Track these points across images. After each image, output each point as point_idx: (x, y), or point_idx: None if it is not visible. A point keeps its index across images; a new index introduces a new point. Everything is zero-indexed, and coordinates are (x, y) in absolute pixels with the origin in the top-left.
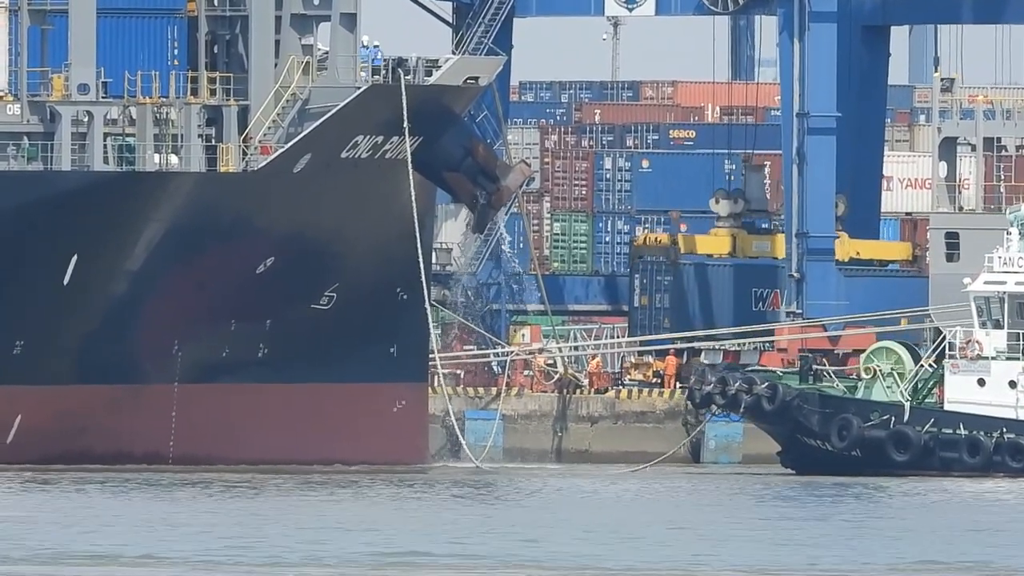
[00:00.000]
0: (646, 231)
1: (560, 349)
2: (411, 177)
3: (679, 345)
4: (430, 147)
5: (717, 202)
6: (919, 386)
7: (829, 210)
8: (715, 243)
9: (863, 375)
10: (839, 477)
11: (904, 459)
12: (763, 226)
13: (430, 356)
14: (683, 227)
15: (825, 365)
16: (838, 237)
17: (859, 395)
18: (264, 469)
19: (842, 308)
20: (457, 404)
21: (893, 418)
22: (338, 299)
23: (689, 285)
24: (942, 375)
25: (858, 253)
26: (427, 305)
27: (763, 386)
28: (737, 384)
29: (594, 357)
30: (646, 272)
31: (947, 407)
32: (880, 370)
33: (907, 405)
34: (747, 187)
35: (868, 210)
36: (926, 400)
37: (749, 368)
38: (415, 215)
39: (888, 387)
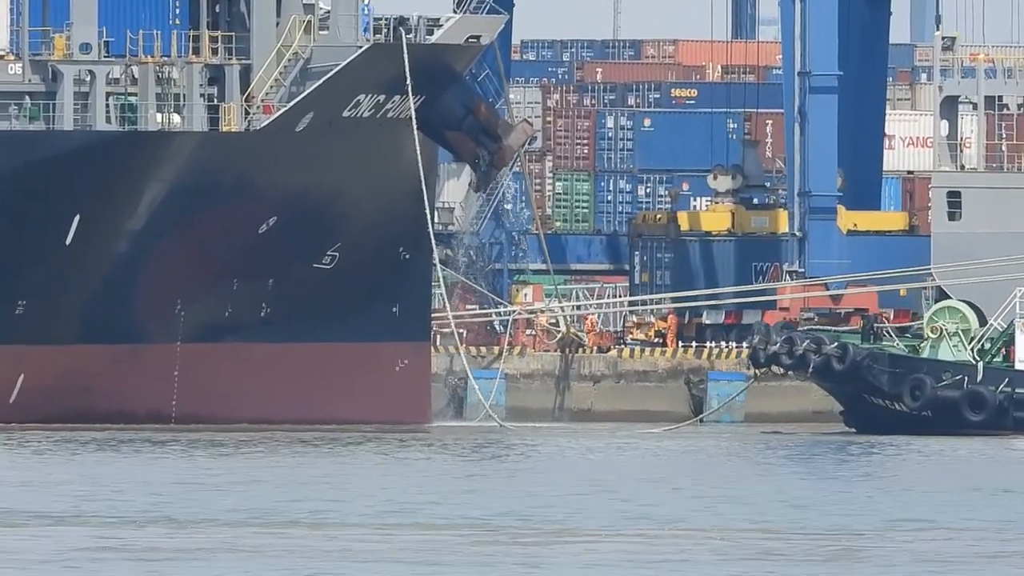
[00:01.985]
0: (644, 211)
1: (562, 308)
2: (416, 136)
3: (681, 305)
4: (432, 106)
5: (715, 178)
6: (986, 346)
7: (831, 169)
8: (715, 219)
9: (929, 334)
10: (908, 437)
11: (979, 419)
12: (762, 201)
13: (441, 315)
14: (685, 186)
15: (885, 324)
16: (840, 195)
17: (925, 355)
18: (266, 428)
19: (844, 267)
20: (459, 363)
21: (966, 378)
22: (340, 259)
23: (690, 261)
24: (1011, 334)
25: (856, 225)
26: (436, 264)
27: (833, 346)
28: (805, 344)
29: (588, 316)
30: (646, 249)
31: (1018, 366)
32: (946, 329)
33: (980, 365)
34: (745, 163)
35: (870, 167)
36: (994, 360)
37: (810, 329)
38: (421, 174)
39: (955, 347)
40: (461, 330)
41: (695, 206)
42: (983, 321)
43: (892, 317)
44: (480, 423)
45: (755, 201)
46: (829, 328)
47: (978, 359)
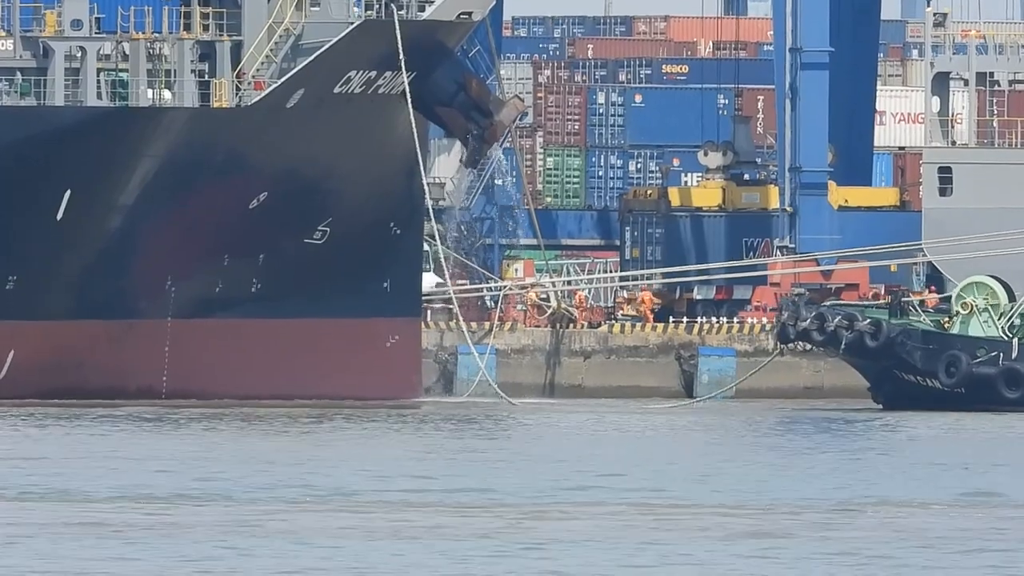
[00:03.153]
0: (635, 186)
1: (553, 283)
2: (410, 112)
3: (671, 280)
4: (423, 82)
5: (706, 154)
6: (1016, 321)
7: (822, 145)
8: (705, 195)
9: (960, 310)
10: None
11: (1015, 396)
12: (753, 177)
13: (443, 289)
14: (676, 161)
15: (911, 299)
16: (831, 170)
17: (955, 331)
18: (257, 404)
19: (835, 243)
20: (449, 339)
21: (1001, 355)
22: (331, 234)
23: (681, 236)
24: None
25: (847, 200)
26: (437, 241)
27: (866, 323)
28: (837, 320)
29: (577, 291)
30: (637, 224)
31: None
32: (977, 305)
33: (1015, 341)
34: (735, 139)
35: (861, 144)
36: None
37: (834, 304)
38: (417, 149)
39: (985, 322)
40: (451, 306)
41: (686, 182)
42: (1011, 297)
43: (883, 293)
44: (471, 398)
45: (746, 177)
46: (854, 304)
47: (1009, 335)
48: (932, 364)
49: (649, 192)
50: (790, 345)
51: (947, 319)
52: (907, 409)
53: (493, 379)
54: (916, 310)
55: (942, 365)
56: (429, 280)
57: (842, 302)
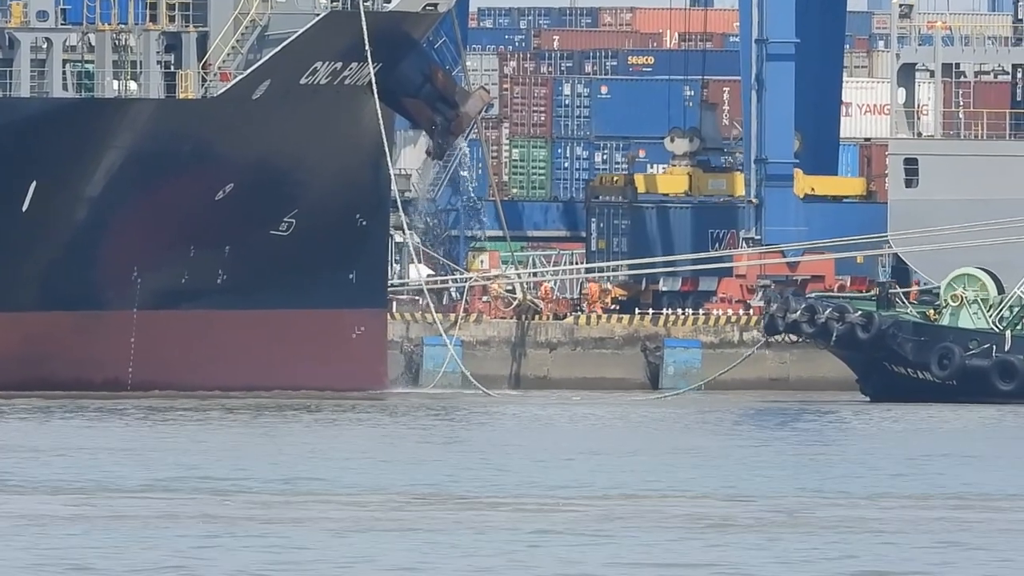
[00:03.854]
0: (601, 173)
1: (519, 275)
2: (377, 103)
3: (636, 272)
4: (389, 73)
5: (672, 140)
6: (1005, 314)
7: (788, 136)
8: (672, 182)
9: (950, 302)
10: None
11: (1009, 388)
12: (719, 164)
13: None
14: (641, 152)
15: (897, 290)
16: (796, 163)
17: (944, 323)
18: (222, 395)
19: (801, 234)
20: (415, 330)
21: (994, 347)
22: (297, 225)
23: (647, 228)
24: None
25: (813, 189)
26: (407, 232)
27: (857, 315)
28: (827, 312)
29: (543, 283)
30: (603, 216)
31: None
32: (967, 297)
33: (1008, 334)
34: (702, 125)
35: (827, 135)
36: (1016, 328)
37: (822, 296)
38: (384, 141)
39: (975, 315)
40: (416, 297)
41: (651, 172)
42: (1000, 289)
43: (849, 284)
44: (436, 389)
45: (712, 164)
46: (839, 295)
47: (999, 327)
48: (924, 356)
49: (615, 179)
50: (776, 337)
51: (932, 311)
52: (895, 401)
53: (458, 370)
54: (903, 302)
55: (935, 357)
56: (421, 272)
57: (828, 294)
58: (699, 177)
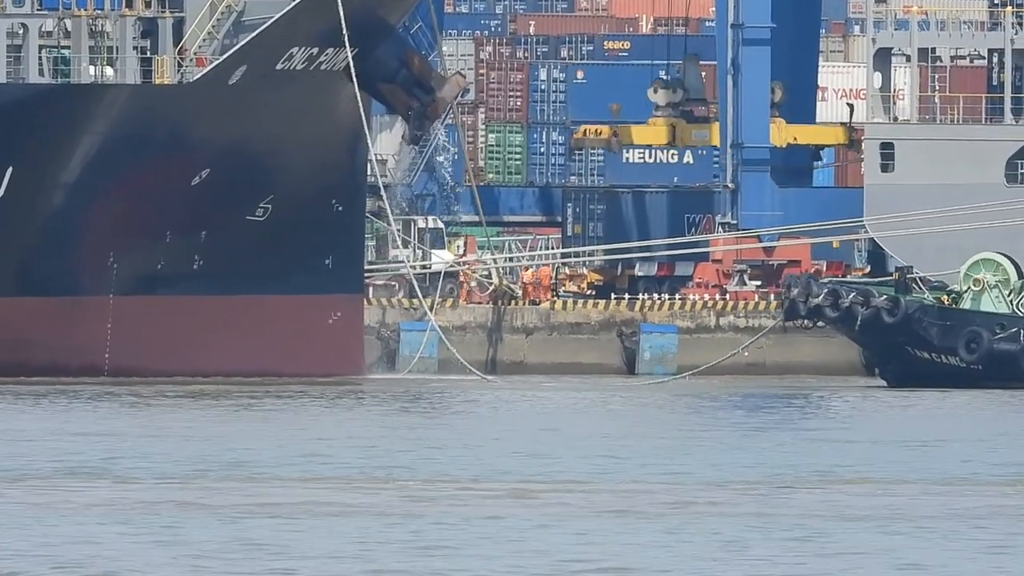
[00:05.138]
0: (584, 126)
1: (495, 260)
2: (356, 88)
3: (612, 257)
4: (366, 59)
5: (655, 91)
6: None
7: (764, 121)
8: (653, 133)
9: (972, 287)
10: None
11: None
12: (703, 116)
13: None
14: (615, 107)
15: (916, 275)
16: (770, 146)
17: (965, 307)
18: (198, 381)
19: (777, 219)
20: (392, 315)
21: (1021, 331)
22: (273, 211)
23: (623, 213)
24: None
25: (795, 139)
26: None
27: (882, 299)
28: (852, 297)
29: (526, 269)
30: (579, 201)
31: None
32: (988, 282)
33: None
34: (685, 76)
35: (803, 120)
36: None
37: (841, 281)
38: (364, 126)
39: (996, 299)
40: (393, 283)
41: (627, 158)
42: (1020, 274)
43: (825, 269)
44: (413, 375)
45: (696, 115)
46: (857, 280)
47: (1020, 311)
48: (951, 341)
49: (599, 130)
50: (796, 322)
51: (945, 296)
52: (915, 387)
53: (434, 355)
54: (920, 287)
55: (962, 341)
56: (445, 257)
57: (842, 279)
58: (682, 128)
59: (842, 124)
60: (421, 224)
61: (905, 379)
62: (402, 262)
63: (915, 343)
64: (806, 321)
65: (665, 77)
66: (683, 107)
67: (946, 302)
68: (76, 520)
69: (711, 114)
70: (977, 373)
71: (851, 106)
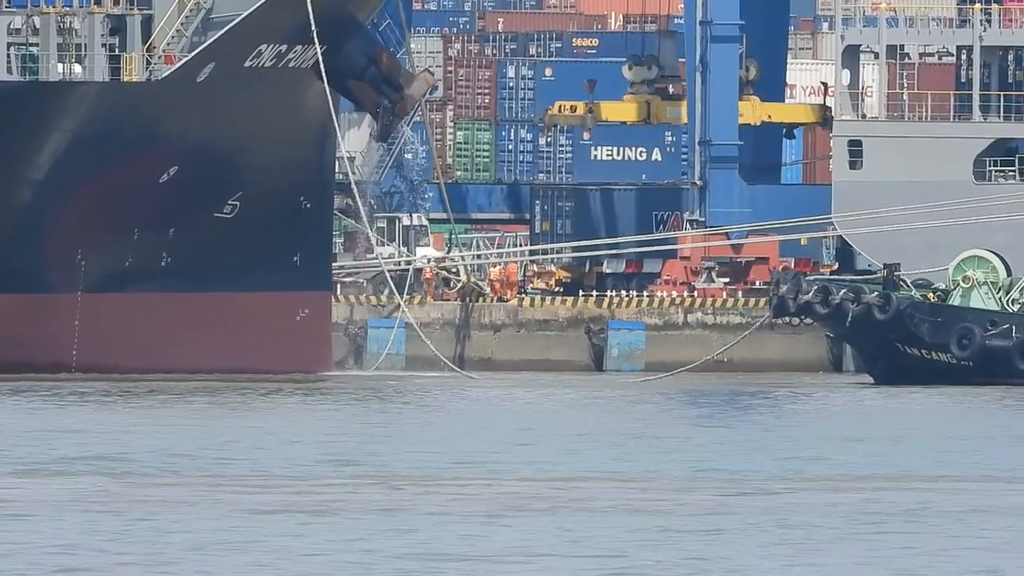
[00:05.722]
0: (559, 102)
1: (463, 257)
2: (325, 85)
3: (581, 255)
4: (334, 56)
5: (629, 68)
6: (1015, 295)
7: (733, 118)
8: (627, 110)
9: (962, 284)
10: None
11: None
12: (677, 93)
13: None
14: (586, 135)
15: (902, 273)
16: (740, 143)
17: (955, 304)
18: (166, 378)
19: (745, 216)
20: (360, 312)
21: (1014, 327)
22: (241, 208)
23: (591, 210)
24: None
25: (770, 116)
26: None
27: (874, 295)
28: (842, 293)
29: (494, 266)
30: (547, 198)
31: None
32: (977, 279)
33: None
34: (660, 53)
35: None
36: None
37: (826, 278)
38: (334, 123)
39: (985, 296)
40: (360, 280)
41: (595, 155)
42: (1008, 271)
43: (793, 265)
44: (380, 371)
45: (671, 92)
46: (845, 278)
47: (1009, 309)
48: (943, 337)
49: (573, 106)
50: (784, 320)
51: (931, 293)
52: (904, 384)
53: (402, 352)
54: (907, 284)
55: (954, 338)
56: (432, 254)
57: (828, 276)
58: (657, 105)
59: (817, 105)
60: (406, 221)
61: (893, 376)
62: (376, 259)
63: (906, 340)
64: (794, 318)
65: (639, 55)
66: (657, 84)
67: (931, 299)
68: None
69: (685, 92)
70: (968, 370)
71: (825, 84)
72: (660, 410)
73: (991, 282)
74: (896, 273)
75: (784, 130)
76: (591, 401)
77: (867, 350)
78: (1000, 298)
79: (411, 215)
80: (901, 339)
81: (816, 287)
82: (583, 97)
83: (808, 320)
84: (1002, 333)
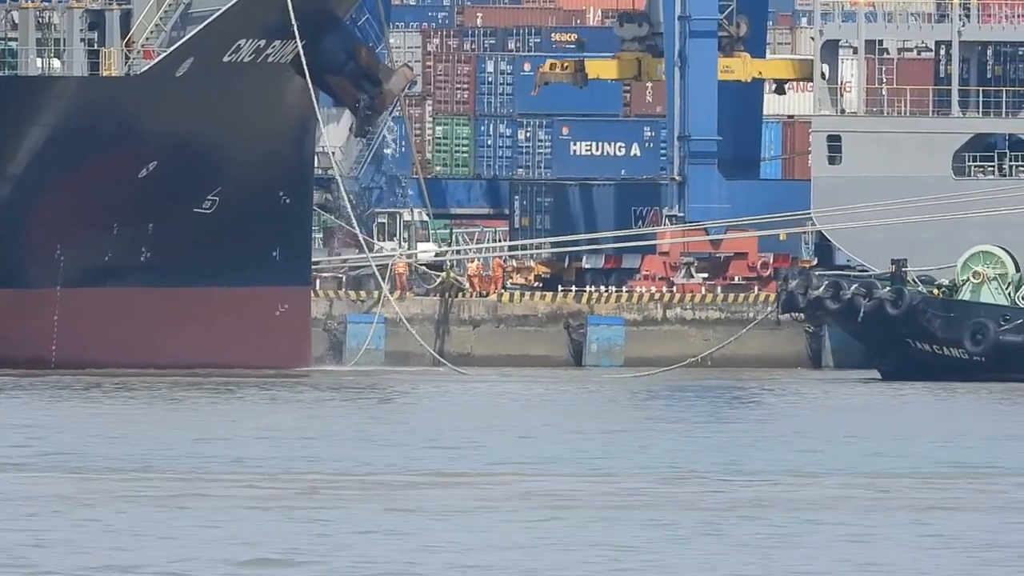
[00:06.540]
0: (551, 60)
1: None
2: (307, 79)
3: (561, 250)
4: (313, 51)
5: (621, 26)
6: None
7: (711, 113)
8: (619, 67)
9: (972, 279)
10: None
11: None
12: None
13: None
14: (565, 130)
15: (909, 269)
16: (719, 138)
17: (964, 299)
18: (145, 373)
19: (724, 211)
20: (338, 308)
21: None
22: (220, 203)
23: (570, 205)
24: None
25: (760, 73)
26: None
27: (886, 291)
28: (854, 288)
29: (472, 260)
30: (526, 193)
31: None
32: (987, 275)
33: None
34: (651, 10)
35: (750, 113)
36: None
37: (832, 274)
38: (317, 116)
39: (995, 291)
40: (340, 275)
41: (575, 150)
42: (1017, 267)
43: (772, 261)
44: (359, 367)
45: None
46: (851, 274)
47: (1020, 304)
48: (955, 332)
49: (565, 65)
50: (792, 315)
51: (935, 289)
52: (912, 380)
53: (381, 347)
54: (914, 280)
55: (967, 333)
56: (428, 248)
57: (832, 272)
58: (648, 62)
59: (806, 60)
60: (407, 217)
61: (902, 372)
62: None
63: (917, 335)
64: (801, 314)
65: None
66: (649, 41)
67: (937, 295)
68: None
69: None
70: (979, 365)
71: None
72: (674, 409)
73: (1000, 277)
74: (904, 269)
75: (774, 86)
76: (599, 396)
77: (877, 345)
78: (1010, 293)
79: (412, 211)
80: (912, 334)
81: (827, 282)
82: (561, 94)
83: (801, 316)
84: (1015, 328)
